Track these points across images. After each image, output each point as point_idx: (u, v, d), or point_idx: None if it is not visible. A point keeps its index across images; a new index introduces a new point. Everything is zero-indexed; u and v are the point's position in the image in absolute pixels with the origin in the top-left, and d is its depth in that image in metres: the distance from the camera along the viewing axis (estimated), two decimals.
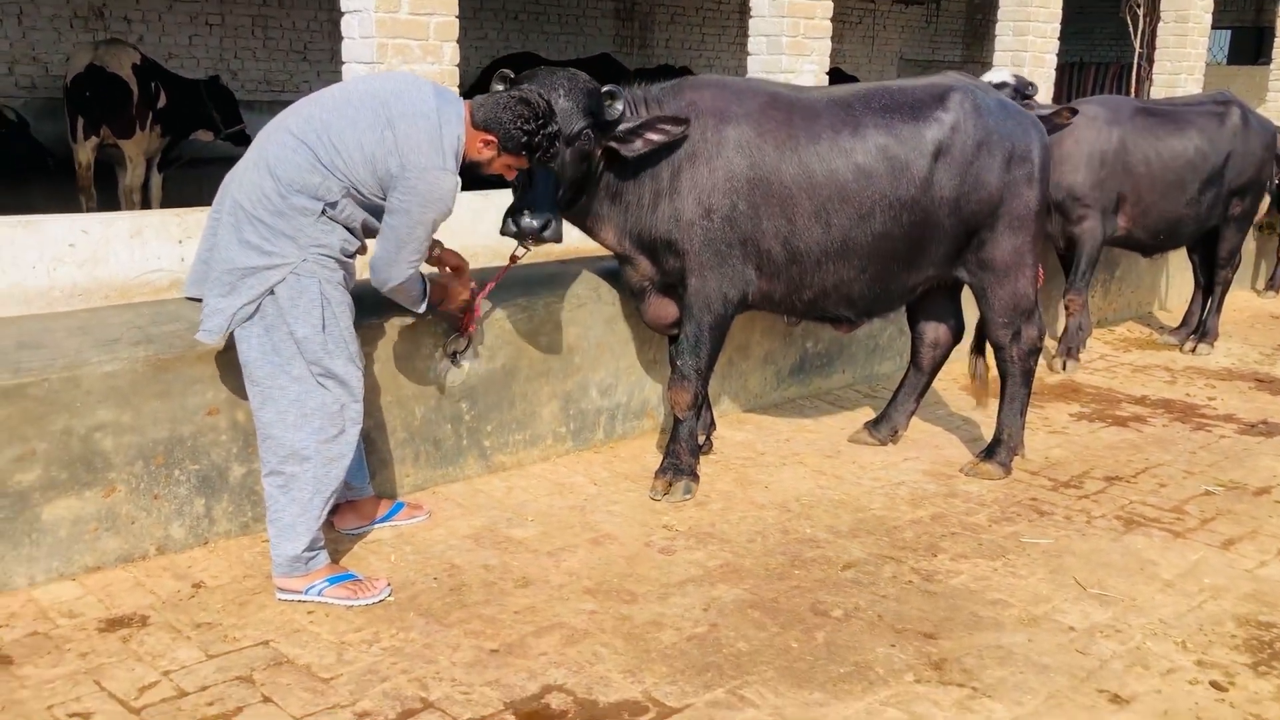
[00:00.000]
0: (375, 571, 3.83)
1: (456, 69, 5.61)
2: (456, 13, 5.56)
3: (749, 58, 7.25)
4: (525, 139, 3.67)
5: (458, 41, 5.60)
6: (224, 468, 3.95)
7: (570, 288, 4.91)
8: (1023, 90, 5.86)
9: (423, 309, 3.88)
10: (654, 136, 4.28)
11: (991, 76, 5.93)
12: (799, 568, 4.00)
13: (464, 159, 3.69)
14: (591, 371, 5.02)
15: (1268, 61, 12.82)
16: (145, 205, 9.65)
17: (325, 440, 3.59)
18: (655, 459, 4.99)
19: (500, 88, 4.08)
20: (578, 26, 14.32)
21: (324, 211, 3.51)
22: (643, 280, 4.62)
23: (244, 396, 3.94)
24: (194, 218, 4.91)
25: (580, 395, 5.01)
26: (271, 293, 3.49)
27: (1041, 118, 5.84)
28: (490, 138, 3.68)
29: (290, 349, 3.52)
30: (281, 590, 3.63)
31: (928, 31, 18.74)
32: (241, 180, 3.56)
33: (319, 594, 3.60)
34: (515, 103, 3.68)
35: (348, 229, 3.59)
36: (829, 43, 7.35)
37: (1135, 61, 11.79)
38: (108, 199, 9.51)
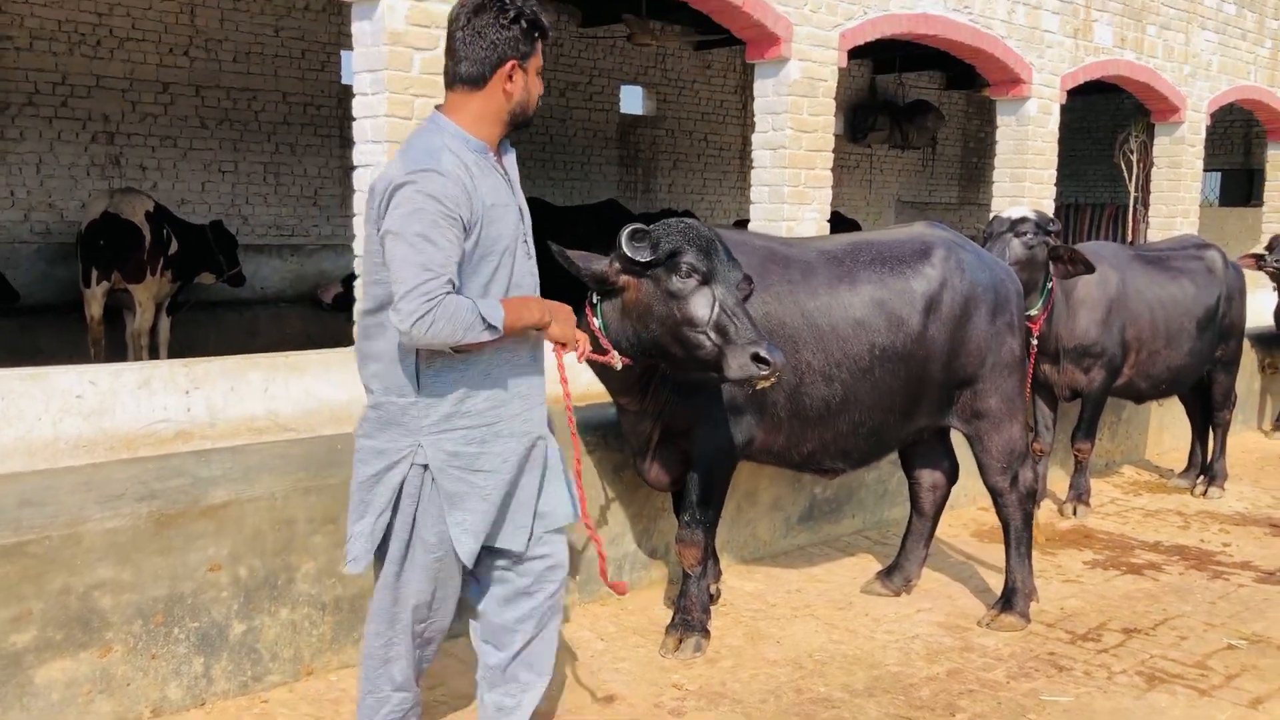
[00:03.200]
0: None
1: None
2: None
3: (752, 206, 7.39)
4: (521, 24, 3.02)
5: None
6: (224, 625, 3.86)
7: (579, 435, 4.88)
8: (1044, 227, 5.84)
9: (494, 335, 2.95)
10: None
11: (1012, 213, 5.96)
12: None
13: (511, 115, 3.10)
14: (598, 521, 4.95)
15: (1259, 203, 13.06)
16: (153, 349, 9.74)
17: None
18: (664, 611, 4.89)
19: (630, 238, 3.83)
20: (583, 173, 14.66)
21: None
22: (647, 435, 4.51)
23: (246, 551, 3.90)
24: (202, 368, 4.92)
25: (585, 544, 4.93)
26: (400, 492, 3.11)
27: (1055, 254, 5.88)
28: (506, 65, 3.02)
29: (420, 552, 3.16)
30: None
31: (924, 175, 19.16)
32: None
33: None
34: (479, 14, 3.01)
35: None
36: (829, 191, 7.50)
37: (1131, 205, 12.01)
38: (115, 341, 9.59)
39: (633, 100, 15.47)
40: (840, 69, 7.55)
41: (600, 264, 3.94)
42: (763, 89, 7.47)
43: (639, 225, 3.96)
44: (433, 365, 3.05)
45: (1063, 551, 6.03)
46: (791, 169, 7.26)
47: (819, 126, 7.37)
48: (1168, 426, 8.57)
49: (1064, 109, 9.51)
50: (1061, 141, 9.66)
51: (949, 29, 8.31)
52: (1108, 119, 17.04)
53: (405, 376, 3.06)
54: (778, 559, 5.71)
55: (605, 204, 11.85)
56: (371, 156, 5.49)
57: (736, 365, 3.73)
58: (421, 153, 2.96)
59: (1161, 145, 11.11)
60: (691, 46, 14.98)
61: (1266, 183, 12.78)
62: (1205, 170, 11.66)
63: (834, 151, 7.59)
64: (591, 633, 4.67)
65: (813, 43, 7.33)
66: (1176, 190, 11.06)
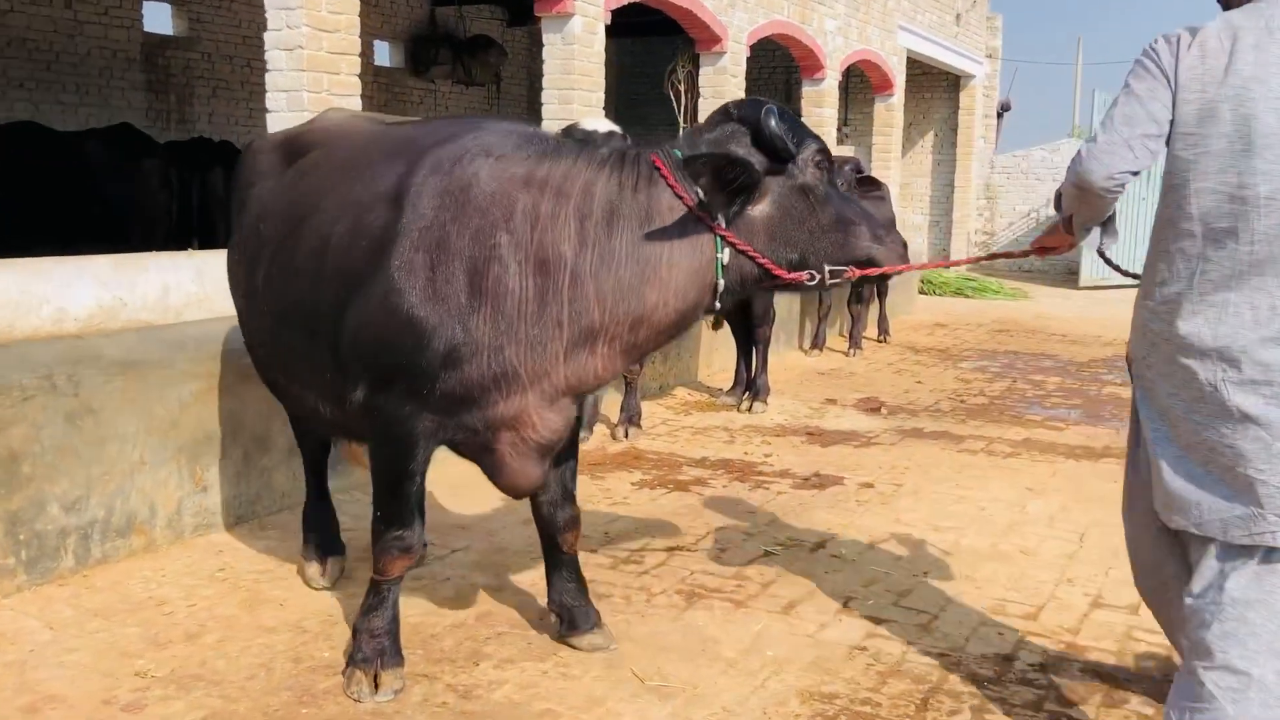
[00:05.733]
0: None
1: None
2: None
3: (268, 115, 6.46)
4: None
5: None
6: None
7: (8, 376, 3.87)
8: (625, 138, 5.47)
9: None
10: None
11: (597, 125, 5.50)
12: (308, 704, 3.23)
13: None
14: (49, 483, 3.98)
15: None
16: None
17: None
18: (141, 585, 4.04)
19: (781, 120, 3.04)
20: (102, 98, 12.80)
21: None
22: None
23: None
24: None
25: (35, 514, 3.95)
26: None
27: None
28: None
29: None
30: None
31: (490, 112, 18.75)
32: None
33: None
34: None
35: None
36: (359, 100, 6.74)
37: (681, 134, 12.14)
38: None
39: (160, 19, 13.72)
40: None
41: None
42: None
43: (777, 105, 3.08)
44: None
45: (611, 474, 5.76)
46: (311, 73, 6.41)
47: (342, 26, 6.56)
48: (718, 349, 8.67)
49: (624, 52, 9.32)
50: (623, 83, 9.50)
51: None
52: (665, 60, 17.40)
53: None
54: (297, 511, 4.97)
55: (118, 128, 10.28)
56: None
57: (891, 249, 3.26)
58: None
59: (706, 76, 11.30)
60: None
61: (805, 120, 13.48)
62: None
63: (390, 80, 6.83)
64: (39, 621, 3.73)
65: None
66: None
